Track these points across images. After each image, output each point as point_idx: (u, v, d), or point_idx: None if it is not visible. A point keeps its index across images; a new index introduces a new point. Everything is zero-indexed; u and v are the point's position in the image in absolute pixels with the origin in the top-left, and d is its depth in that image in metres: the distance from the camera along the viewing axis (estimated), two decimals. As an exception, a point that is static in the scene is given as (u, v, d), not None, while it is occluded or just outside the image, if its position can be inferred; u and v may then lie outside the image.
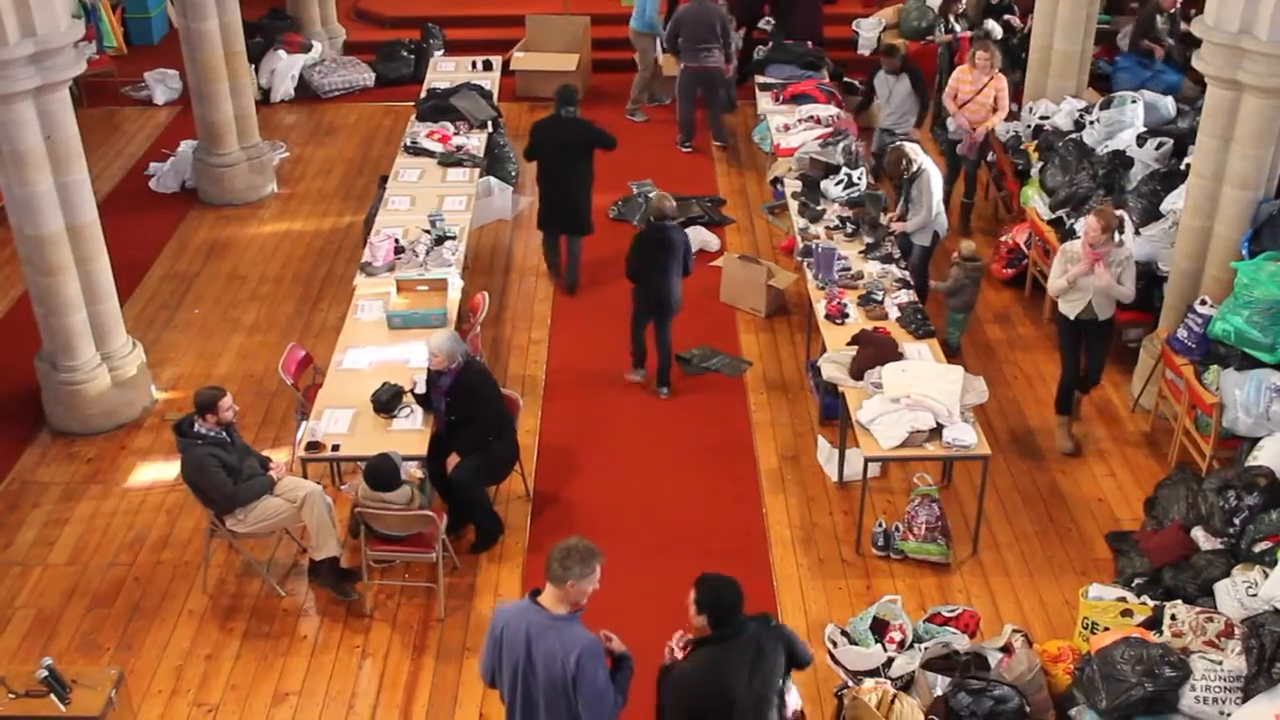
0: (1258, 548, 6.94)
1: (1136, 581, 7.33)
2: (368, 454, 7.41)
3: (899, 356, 8.34)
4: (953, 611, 7.07)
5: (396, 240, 9.78)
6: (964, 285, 9.65)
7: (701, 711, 5.18)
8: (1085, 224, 8.33)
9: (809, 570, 7.78)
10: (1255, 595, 6.59)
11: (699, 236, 11.63)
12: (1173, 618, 6.59)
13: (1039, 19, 12.16)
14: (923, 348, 8.60)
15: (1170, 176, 9.80)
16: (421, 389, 7.85)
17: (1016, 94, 13.14)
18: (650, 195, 12.16)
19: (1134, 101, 10.85)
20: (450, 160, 11.35)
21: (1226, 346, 8.20)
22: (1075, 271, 8.28)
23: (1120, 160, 10.32)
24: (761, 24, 15.11)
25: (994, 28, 13.73)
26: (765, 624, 5.33)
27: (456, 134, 11.86)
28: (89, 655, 7.24)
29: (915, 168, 9.74)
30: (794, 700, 5.70)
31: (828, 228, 10.17)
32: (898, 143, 10.34)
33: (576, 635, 5.24)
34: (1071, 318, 8.50)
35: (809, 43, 14.14)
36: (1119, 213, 8.95)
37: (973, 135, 11.50)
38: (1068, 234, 10.11)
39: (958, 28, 13.86)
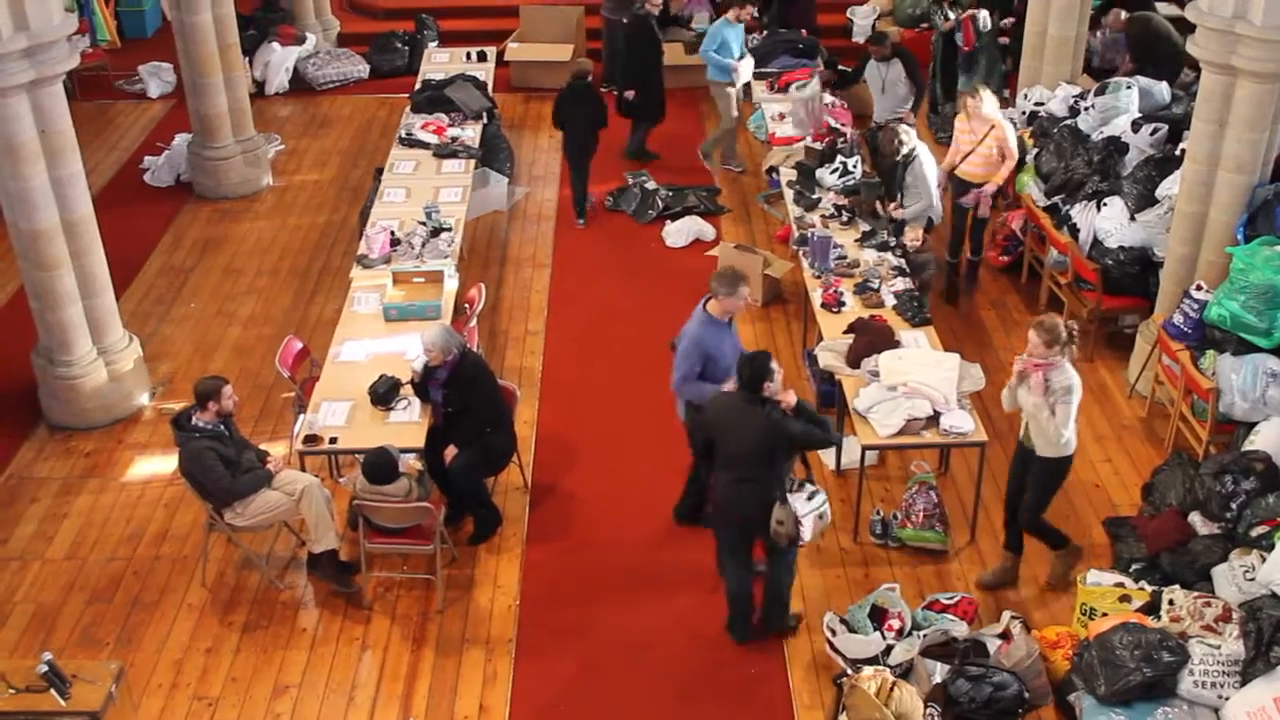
0: (1254, 532, 6.95)
1: (1134, 567, 7.34)
2: (365, 446, 7.42)
3: (895, 344, 8.34)
4: (951, 599, 7.09)
5: (392, 232, 9.77)
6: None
7: (710, 429, 6.94)
8: (1029, 335, 6.88)
9: (807, 558, 7.76)
10: (1253, 579, 6.61)
11: (695, 226, 11.62)
12: (1170, 603, 6.61)
13: (1034, 4, 12.12)
14: (919, 335, 8.60)
15: (1165, 162, 9.79)
16: (419, 365, 7.82)
17: (1010, 81, 13.12)
18: (647, 187, 12.21)
19: (1129, 87, 10.83)
20: (445, 152, 11.32)
21: (1222, 331, 8.21)
22: (1012, 379, 7.02)
23: (1115, 146, 10.30)
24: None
25: (984, 17, 13.66)
26: (778, 413, 6.61)
27: (451, 125, 11.84)
28: (88, 650, 7.24)
29: (908, 150, 9.71)
30: (815, 515, 6.64)
31: (823, 216, 10.16)
32: (890, 122, 10.28)
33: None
34: (1020, 435, 7.29)
35: (803, 31, 14.12)
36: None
37: (979, 192, 10.16)
38: (1063, 220, 10.11)
39: (952, 15, 13.80)
